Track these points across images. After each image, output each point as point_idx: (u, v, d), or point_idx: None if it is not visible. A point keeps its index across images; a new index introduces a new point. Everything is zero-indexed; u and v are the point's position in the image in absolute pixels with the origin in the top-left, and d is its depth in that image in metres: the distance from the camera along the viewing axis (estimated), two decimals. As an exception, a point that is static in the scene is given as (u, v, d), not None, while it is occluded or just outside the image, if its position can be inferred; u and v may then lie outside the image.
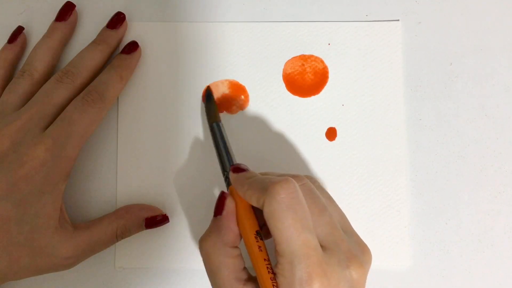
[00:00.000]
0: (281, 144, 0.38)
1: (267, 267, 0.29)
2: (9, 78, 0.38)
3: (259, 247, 0.29)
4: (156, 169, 0.38)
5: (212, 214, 0.37)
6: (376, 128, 0.39)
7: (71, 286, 0.37)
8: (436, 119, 0.39)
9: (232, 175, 0.32)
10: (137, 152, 0.38)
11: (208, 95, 0.38)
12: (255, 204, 0.30)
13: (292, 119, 0.39)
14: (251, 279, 0.30)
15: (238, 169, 0.32)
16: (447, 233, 0.38)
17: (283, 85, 0.39)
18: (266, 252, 0.30)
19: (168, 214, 0.37)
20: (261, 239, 0.30)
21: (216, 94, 0.39)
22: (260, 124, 0.38)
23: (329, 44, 0.39)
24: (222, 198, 0.31)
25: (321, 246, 0.29)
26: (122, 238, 0.36)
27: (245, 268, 0.31)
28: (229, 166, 0.33)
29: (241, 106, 0.39)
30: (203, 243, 0.31)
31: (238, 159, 0.38)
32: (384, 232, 0.38)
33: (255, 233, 0.30)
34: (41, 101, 0.35)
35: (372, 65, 0.39)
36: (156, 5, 0.40)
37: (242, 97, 0.39)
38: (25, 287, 0.36)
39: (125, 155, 0.38)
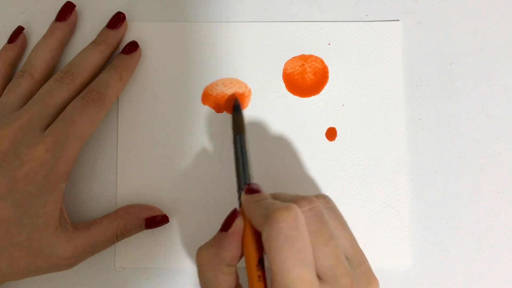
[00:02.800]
0: (281, 144, 0.38)
1: None
2: (9, 78, 0.38)
3: (259, 276, 0.29)
4: (156, 169, 0.38)
5: (211, 217, 0.37)
6: (376, 128, 0.39)
7: (71, 286, 0.37)
8: (436, 119, 0.39)
9: (243, 196, 0.31)
10: (137, 152, 0.38)
11: (236, 106, 0.37)
12: (258, 229, 0.29)
13: (292, 119, 0.38)
14: None
15: (251, 190, 0.31)
16: (447, 233, 0.38)
17: (283, 85, 0.39)
18: (265, 282, 0.29)
19: (168, 214, 0.37)
20: (263, 268, 0.29)
21: (216, 93, 0.39)
22: (260, 124, 0.38)
23: (329, 44, 0.39)
24: (232, 216, 0.31)
25: (320, 279, 0.28)
26: (122, 238, 0.36)
27: (238, 285, 0.30)
28: (244, 185, 0.33)
29: (241, 106, 0.39)
30: (200, 254, 0.30)
31: (238, 159, 0.38)
32: (384, 232, 0.38)
33: (258, 261, 0.29)
34: (41, 101, 0.35)
35: (372, 65, 0.39)
36: (156, 5, 0.40)
37: (243, 96, 0.39)
38: (25, 287, 0.36)
39: (125, 155, 0.38)
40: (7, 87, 0.36)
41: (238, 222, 0.31)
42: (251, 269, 0.29)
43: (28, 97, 0.36)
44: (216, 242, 0.30)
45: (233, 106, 0.38)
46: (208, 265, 0.30)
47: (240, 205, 0.32)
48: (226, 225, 0.31)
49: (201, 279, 0.30)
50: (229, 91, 0.39)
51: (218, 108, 0.38)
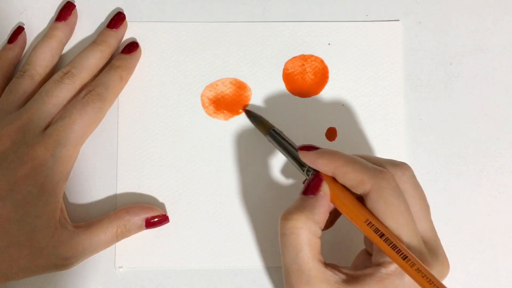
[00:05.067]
0: (281, 144, 0.38)
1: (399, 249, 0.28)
2: (9, 78, 0.38)
3: (376, 230, 0.29)
4: (156, 169, 0.38)
5: (211, 217, 0.37)
6: (376, 128, 0.38)
7: (71, 286, 0.37)
8: (436, 119, 0.39)
9: (321, 153, 0.31)
10: (137, 152, 0.38)
11: (248, 114, 0.38)
12: (355, 186, 0.30)
13: (292, 119, 0.38)
14: (327, 264, 0.30)
15: (314, 147, 0.32)
16: (447, 233, 0.38)
17: (283, 85, 0.39)
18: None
19: (168, 214, 0.37)
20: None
21: (216, 93, 0.39)
22: (260, 124, 0.38)
23: (329, 44, 0.39)
24: (318, 179, 0.31)
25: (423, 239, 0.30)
26: (122, 238, 0.36)
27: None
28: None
29: (241, 106, 0.39)
30: (291, 218, 0.30)
31: (238, 158, 0.38)
32: (384, 232, 0.38)
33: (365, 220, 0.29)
34: (41, 101, 0.35)
35: (372, 65, 0.39)
36: (156, 5, 0.40)
37: (243, 96, 0.39)
38: (25, 287, 0.36)
39: (125, 155, 0.38)
40: (7, 87, 0.36)
41: (325, 186, 0.31)
42: (364, 226, 0.29)
43: (28, 97, 0.36)
44: (306, 206, 0.30)
45: (247, 116, 0.38)
46: (303, 228, 0.29)
47: (312, 175, 0.32)
48: (313, 189, 0.31)
49: (290, 245, 0.30)
50: (229, 91, 0.39)
51: (218, 108, 0.38)
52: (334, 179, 0.31)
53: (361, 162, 0.30)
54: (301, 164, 0.33)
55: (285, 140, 0.35)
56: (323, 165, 0.31)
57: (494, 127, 0.39)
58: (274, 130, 0.35)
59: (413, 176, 0.31)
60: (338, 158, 0.30)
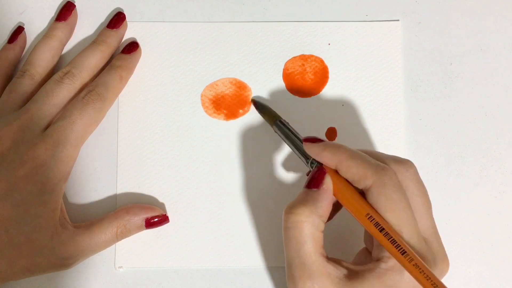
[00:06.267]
0: (281, 144, 0.38)
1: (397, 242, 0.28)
2: (9, 78, 0.38)
3: (376, 224, 0.29)
4: (156, 169, 0.38)
5: (211, 217, 0.37)
6: (376, 128, 0.39)
7: (71, 286, 0.37)
8: (436, 119, 0.39)
9: (325, 146, 0.31)
10: (137, 152, 0.38)
11: (256, 104, 0.38)
12: (357, 180, 0.30)
13: (292, 119, 0.38)
14: (329, 258, 0.30)
15: (319, 139, 0.32)
16: (447, 233, 0.38)
17: (283, 85, 0.39)
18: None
19: (168, 214, 0.37)
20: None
21: (216, 93, 0.39)
22: (260, 124, 0.38)
23: (329, 44, 0.39)
24: (321, 173, 0.31)
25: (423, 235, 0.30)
26: (122, 238, 0.36)
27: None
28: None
29: (241, 106, 0.39)
30: (295, 211, 0.30)
31: (238, 158, 0.38)
32: (384, 232, 0.38)
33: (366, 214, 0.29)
34: (41, 101, 0.35)
35: (372, 65, 0.39)
36: (156, 5, 0.40)
37: (243, 96, 0.39)
38: (25, 287, 0.36)
39: (125, 155, 0.38)
40: (7, 87, 0.36)
41: (328, 179, 0.31)
42: (365, 220, 0.29)
43: (28, 97, 0.36)
44: (310, 199, 0.30)
45: (255, 106, 0.38)
46: (306, 222, 0.29)
47: (316, 168, 0.32)
48: (317, 182, 0.31)
49: (293, 239, 0.30)
50: (229, 91, 0.39)
51: (218, 108, 0.38)
52: (337, 172, 0.31)
53: (364, 158, 0.30)
54: (305, 156, 0.33)
55: (291, 131, 0.35)
56: (327, 158, 0.31)
57: (494, 127, 0.39)
58: (280, 121, 0.36)
59: (416, 173, 0.31)
60: (342, 152, 0.31)
